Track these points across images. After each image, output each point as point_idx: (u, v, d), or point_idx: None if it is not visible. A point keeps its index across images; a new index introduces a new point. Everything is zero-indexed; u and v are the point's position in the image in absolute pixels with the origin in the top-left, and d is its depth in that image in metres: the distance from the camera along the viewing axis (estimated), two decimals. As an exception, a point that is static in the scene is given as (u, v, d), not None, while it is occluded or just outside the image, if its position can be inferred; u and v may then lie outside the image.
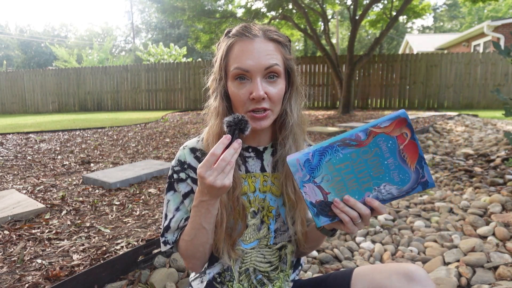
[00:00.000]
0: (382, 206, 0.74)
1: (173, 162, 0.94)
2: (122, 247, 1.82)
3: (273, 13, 10.53)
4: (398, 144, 0.71)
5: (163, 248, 0.94)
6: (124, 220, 2.24)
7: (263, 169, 0.94)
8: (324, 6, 9.92)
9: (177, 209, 0.92)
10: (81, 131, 6.75)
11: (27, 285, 1.47)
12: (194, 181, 0.91)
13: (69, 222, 2.19)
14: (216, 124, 0.88)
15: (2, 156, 4.34)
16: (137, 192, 2.83)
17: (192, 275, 1.04)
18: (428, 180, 0.72)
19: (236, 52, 0.84)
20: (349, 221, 0.74)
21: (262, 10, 10.53)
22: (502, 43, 12.67)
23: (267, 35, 0.85)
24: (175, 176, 0.92)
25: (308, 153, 0.73)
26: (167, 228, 0.92)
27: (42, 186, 3.02)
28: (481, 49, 14.18)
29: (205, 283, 0.96)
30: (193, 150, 0.93)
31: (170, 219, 0.92)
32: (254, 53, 0.82)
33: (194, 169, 0.91)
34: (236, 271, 0.94)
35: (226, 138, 0.74)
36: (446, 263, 1.64)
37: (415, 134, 0.71)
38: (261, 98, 0.81)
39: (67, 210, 2.42)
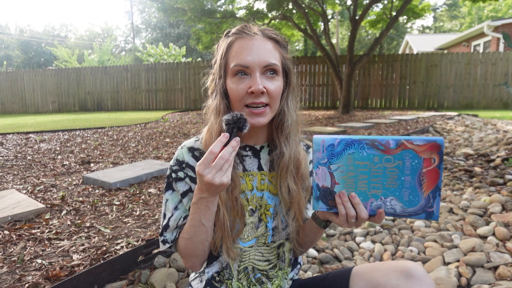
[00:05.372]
0: (383, 217, 0.75)
1: (171, 162, 0.94)
2: (122, 247, 1.82)
3: (273, 13, 10.53)
4: (423, 167, 0.70)
5: (162, 248, 0.93)
6: (124, 220, 2.24)
7: (260, 168, 0.95)
8: (324, 6, 9.91)
9: (176, 208, 0.92)
10: (81, 131, 6.75)
11: (27, 285, 1.47)
12: (192, 179, 0.91)
13: (69, 222, 2.19)
14: (217, 123, 0.88)
15: (2, 156, 4.34)
16: (137, 192, 2.84)
17: (192, 274, 1.04)
18: (435, 212, 0.71)
19: (236, 50, 0.85)
20: (344, 215, 0.76)
21: (263, 10, 10.53)
22: (501, 43, 12.68)
23: (266, 34, 0.87)
24: (173, 175, 0.92)
25: (336, 139, 0.75)
26: (166, 227, 0.92)
27: (42, 186, 3.02)
28: (481, 49, 14.18)
29: (204, 282, 0.97)
30: (191, 149, 0.93)
31: (169, 218, 0.92)
32: (254, 49, 0.84)
33: (192, 168, 0.91)
34: (235, 269, 0.94)
35: (224, 136, 0.75)
36: (446, 263, 1.64)
37: (442, 164, 0.70)
38: (260, 92, 0.82)
39: (67, 210, 2.42)
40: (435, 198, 0.70)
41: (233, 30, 0.89)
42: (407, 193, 0.72)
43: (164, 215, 0.93)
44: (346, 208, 0.75)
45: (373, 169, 0.73)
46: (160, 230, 0.94)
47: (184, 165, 0.92)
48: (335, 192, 0.76)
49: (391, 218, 2.23)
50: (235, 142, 0.75)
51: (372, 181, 0.73)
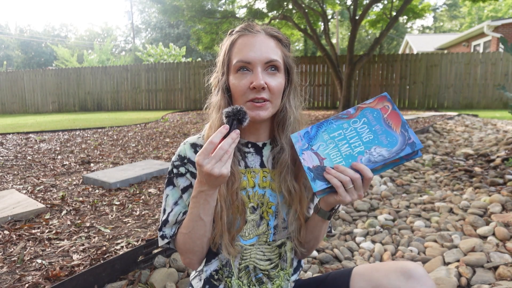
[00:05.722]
0: (367, 169, 0.78)
1: (173, 158, 0.94)
2: (122, 247, 1.82)
3: (273, 13, 10.53)
4: (382, 114, 0.83)
5: (161, 243, 0.93)
6: (124, 220, 2.24)
7: (262, 165, 0.95)
8: (324, 6, 9.92)
9: (176, 203, 0.92)
10: (81, 131, 6.75)
11: (27, 285, 1.47)
12: (193, 175, 0.92)
13: (69, 222, 2.19)
14: (218, 118, 0.89)
15: (2, 156, 4.34)
16: (137, 192, 2.84)
17: (192, 274, 1.04)
18: (415, 141, 0.78)
19: (239, 46, 0.87)
20: (341, 186, 0.78)
21: (263, 10, 10.53)
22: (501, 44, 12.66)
23: (268, 32, 0.89)
24: (174, 171, 0.93)
25: (308, 127, 0.88)
26: (165, 222, 0.92)
27: (42, 186, 3.02)
28: (481, 49, 14.18)
29: (202, 281, 0.97)
30: (193, 145, 0.94)
31: (169, 213, 0.92)
32: (256, 46, 0.85)
33: (194, 164, 0.92)
34: (236, 267, 0.93)
35: (224, 127, 0.76)
36: (446, 263, 1.64)
37: (395, 106, 0.83)
38: (261, 87, 0.83)
39: (67, 210, 2.42)
40: (407, 131, 0.80)
41: (237, 28, 0.91)
42: (384, 137, 0.81)
43: (164, 210, 0.93)
44: (337, 177, 0.78)
45: (347, 133, 0.84)
46: (159, 225, 0.94)
47: (185, 161, 0.92)
48: (325, 166, 0.82)
49: (391, 218, 2.23)
50: (235, 134, 0.76)
51: (351, 142, 0.83)
